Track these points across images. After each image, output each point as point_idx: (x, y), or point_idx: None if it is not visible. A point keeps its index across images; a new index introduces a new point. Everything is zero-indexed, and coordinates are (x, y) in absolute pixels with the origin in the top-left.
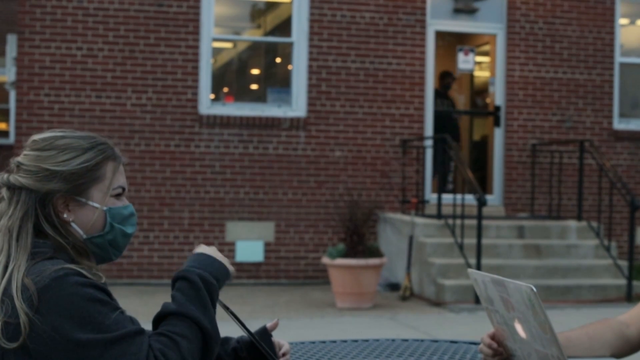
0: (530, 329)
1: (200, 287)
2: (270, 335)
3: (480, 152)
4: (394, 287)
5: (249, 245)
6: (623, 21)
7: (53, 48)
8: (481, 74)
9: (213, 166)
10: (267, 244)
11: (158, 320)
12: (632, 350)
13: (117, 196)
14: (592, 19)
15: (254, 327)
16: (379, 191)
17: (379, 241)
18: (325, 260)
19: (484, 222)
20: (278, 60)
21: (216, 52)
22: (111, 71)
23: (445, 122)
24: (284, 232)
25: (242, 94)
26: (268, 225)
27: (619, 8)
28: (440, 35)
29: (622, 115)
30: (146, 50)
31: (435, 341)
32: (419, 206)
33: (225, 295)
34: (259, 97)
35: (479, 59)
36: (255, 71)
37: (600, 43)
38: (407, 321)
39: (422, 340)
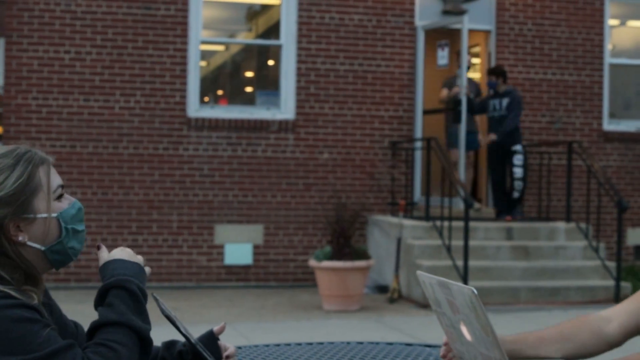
0: (475, 331)
1: (140, 298)
2: (217, 339)
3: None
4: (382, 289)
5: (238, 248)
6: (613, 22)
7: (41, 51)
8: (473, 75)
9: (202, 169)
10: (255, 247)
11: (96, 328)
12: (609, 347)
13: (60, 197)
14: (581, 20)
15: (242, 331)
16: (367, 193)
17: (368, 243)
18: (312, 262)
19: (473, 224)
20: (267, 62)
21: (205, 55)
22: (99, 74)
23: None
24: (273, 234)
25: (230, 97)
26: (257, 228)
27: (608, 9)
28: (430, 36)
29: (612, 116)
30: (134, 53)
31: (390, 344)
32: (408, 208)
33: (214, 298)
34: (247, 100)
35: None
36: (243, 74)
37: (589, 44)
38: (393, 323)
39: (377, 343)
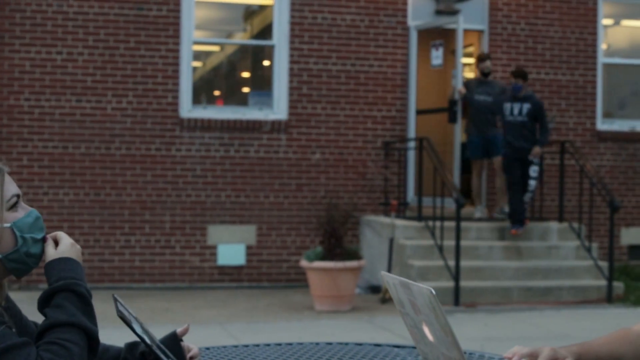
0: (436, 332)
1: (88, 300)
2: (180, 340)
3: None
4: (375, 289)
5: (231, 248)
6: (607, 22)
7: (33, 52)
8: (467, 75)
9: (194, 169)
10: (248, 247)
11: (46, 329)
12: None
13: (15, 206)
14: (574, 20)
15: (232, 331)
16: (360, 194)
17: (361, 244)
18: (303, 263)
19: (466, 224)
20: (259, 63)
21: (197, 55)
22: (91, 75)
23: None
24: (266, 235)
25: (223, 97)
26: (249, 228)
27: (602, 8)
28: (423, 36)
29: (606, 115)
30: (126, 54)
31: (359, 344)
32: (400, 208)
33: (207, 298)
34: (240, 100)
35: (464, 60)
36: (236, 74)
37: (582, 44)
38: (384, 324)
39: (346, 344)
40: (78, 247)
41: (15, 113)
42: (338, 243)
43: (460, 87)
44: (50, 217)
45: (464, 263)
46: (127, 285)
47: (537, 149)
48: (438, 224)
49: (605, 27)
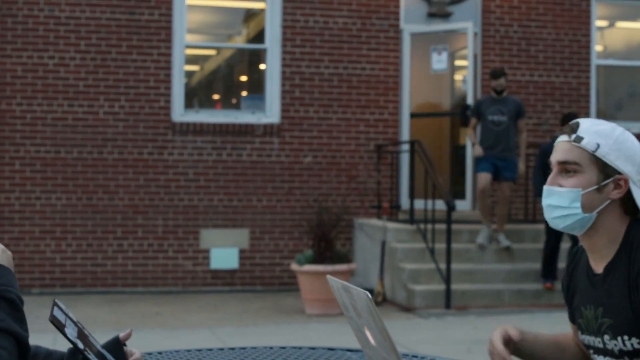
0: (376, 335)
1: (19, 306)
2: (123, 345)
3: (462, 156)
4: None
5: (224, 252)
6: (601, 23)
7: (25, 57)
8: (459, 78)
9: (186, 173)
10: (241, 251)
11: None
12: None
13: None
14: (567, 22)
15: (221, 335)
16: (353, 197)
17: (354, 247)
18: (294, 266)
19: (458, 227)
20: (252, 67)
21: (190, 59)
22: (83, 80)
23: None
24: (259, 239)
25: (215, 101)
26: (242, 232)
27: (595, 10)
28: (416, 39)
29: (599, 117)
30: (118, 58)
31: (313, 348)
32: (393, 211)
33: (198, 302)
34: (232, 104)
35: (458, 62)
36: (228, 78)
37: (576, 45)
38: None
39: (300, 348)
40: (9, 253)
41: (8, 118)
42: (328, 246)
43: (470, 133)
44: (42, 221)
45: (455, 266)
46: (120, 290)
47: None
48: (430, 226)
49: (600, 28)
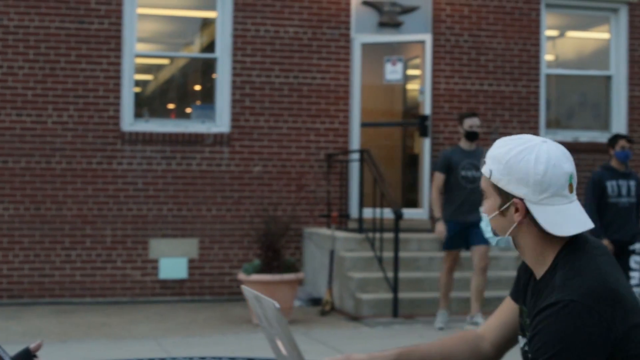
0: (286, 345)
1: None
2: (33, 356)
3: (415, 165)
4: (316, 302)
5: (173, 262)
6: (550, 33)
7: None
8: (414, 87)
9: (136, 183)
10: (191, 261)
11: None
12: None
13: None
14: (517, 31)
15: (166, 346)
16: (303, 206)
17: (304, 256)
18: (241, 276)
19: (407, 235)
20: (203, 76)
21: (141, 69)
22: (32, 89)
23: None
24: (208, 248)
25: (165, 110)
26: (192, 241)
27: (545, 20)
28: (367, 48)
29: (549, 126)
30: (67, 68)
31: (219, 358)
32: (342, 220)
33: (146, 313)
34: (183, 113)
35: (410, 72)
36: (179, 87)
37: (526, 55)
38: (320, 337)
39: (220, 358)
40: None
41: None
42: (276, 256)
43: (435, 197)
44: None
45: (404, 274)
46: (67, 300)
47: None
48: (378, 235)
49: (551, 38)
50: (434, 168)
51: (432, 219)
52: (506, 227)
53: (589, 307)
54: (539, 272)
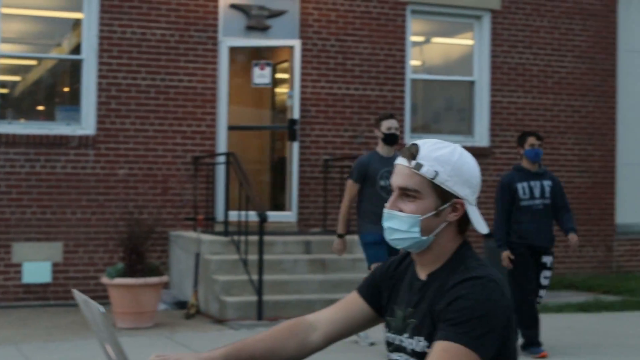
0: (114, 350)
1: None
2: None
3: (283, 169)
4: (182, 305)
5: (36, 266)
6: (416, 38)
7: None
8: (282, 90)
9: None
10: (55, 265)
11: None
12: (312, 353)
13: None
14: (383, 37)
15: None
16: (170, 209)
17: (170, 259)
18: (105, 279)
19: (272, 238)
20: (69, 78)
21: (9, 69)
22: None
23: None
24: (73, 252)
25: (29, 112)
26: (56, 245)
27: (410, 26)
28: (235, 52)
29: (414, 130)
30: None
31: None
32: (208, 223)
33: (8, 318)
34: (47, 115)
35: (278, 75)
36: (45, 89)
37: (391, 60)
38: (184, 340)
39: None
40: None
41: None
42: (140, 259)
43: (343, 211)
44: None
45: (269, 277)
46: None
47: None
48: (243, 238)
49: (417, 44)
50: (349, 176)
51: (300, 222)
52: (435, 226)
53: (503, 291)
54: (428, 270)
